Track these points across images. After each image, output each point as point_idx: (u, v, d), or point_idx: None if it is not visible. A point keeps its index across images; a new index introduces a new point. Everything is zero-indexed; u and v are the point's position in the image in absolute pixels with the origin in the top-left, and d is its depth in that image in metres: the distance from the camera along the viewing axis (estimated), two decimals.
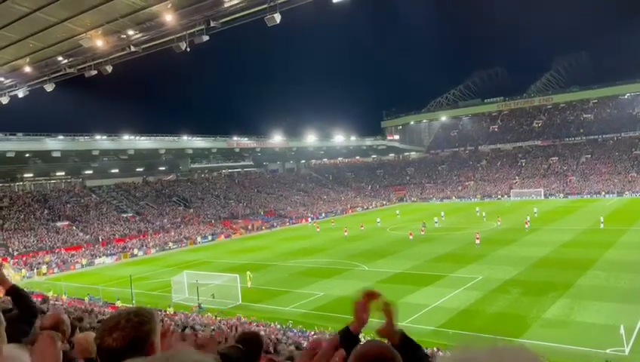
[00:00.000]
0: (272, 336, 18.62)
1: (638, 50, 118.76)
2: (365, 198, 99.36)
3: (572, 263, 35.02)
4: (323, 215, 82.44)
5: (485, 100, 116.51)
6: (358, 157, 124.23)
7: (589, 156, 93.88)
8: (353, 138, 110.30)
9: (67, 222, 61.44)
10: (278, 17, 15.44)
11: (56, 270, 49.71)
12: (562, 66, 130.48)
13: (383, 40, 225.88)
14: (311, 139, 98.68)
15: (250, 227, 71.42)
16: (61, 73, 20.39)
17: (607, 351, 19.79)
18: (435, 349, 20.16)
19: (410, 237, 50.73)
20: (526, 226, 51.57)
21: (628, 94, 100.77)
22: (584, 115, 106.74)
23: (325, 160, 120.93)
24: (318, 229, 63.65)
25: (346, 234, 56.63)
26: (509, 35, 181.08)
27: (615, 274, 31.37)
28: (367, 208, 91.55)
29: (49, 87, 21.05)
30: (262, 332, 19.87)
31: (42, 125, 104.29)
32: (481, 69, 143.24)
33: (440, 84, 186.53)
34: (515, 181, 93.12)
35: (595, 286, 29.20)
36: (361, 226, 62.27)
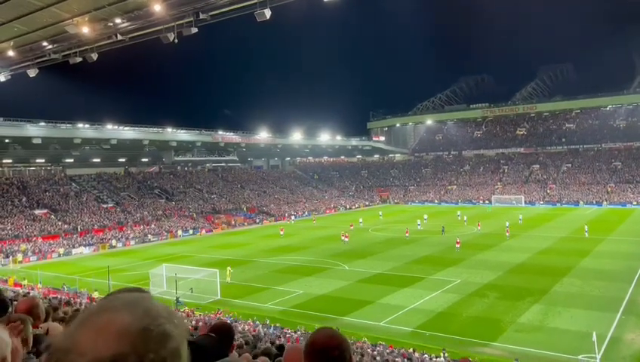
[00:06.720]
0: (251, 333, 18.57)
1: (621, 63, 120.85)
2: (349, 198, 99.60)
3: (549, 270, 35.58)
4: (306, 213, 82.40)
5: (471, 106, 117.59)
6: (343, 157, 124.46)
7: (570, 165, 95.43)
8: (339, 137, 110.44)
9: (45, 211, 60.42)
10: (268, 13, 15.40)
11: (32, 258, 48.91)
12: (547, 76, 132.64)
13: (373, 41, 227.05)
14: (297, 136, 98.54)
15: (233, 222, 71.09)
16: (45, 58, 20.02)
17: (580, 357, 20.18)
18: (411, 350, 20.38)
19: (407, 234, 52.92)
20: (507, 234, 50.98)
21: (610, 106, 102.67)
22: (566, 125, 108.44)
23: (310, 158, 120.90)
24: (282, 232, 59.55)
25: (341, 237, 52.27)
26: (496, 43, 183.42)
27: (590, 282, 31.96)
28: (350, 208, 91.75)
29: (32, 73, 20.66)
30: (240, 328, 19.80)
31: (23, 111, 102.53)
32: (468, 74, 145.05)
33: (427, 87, 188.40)
34: (496, 187, 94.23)
35: (570, 293, 29.72)
36: (351, 226, 61.94)
